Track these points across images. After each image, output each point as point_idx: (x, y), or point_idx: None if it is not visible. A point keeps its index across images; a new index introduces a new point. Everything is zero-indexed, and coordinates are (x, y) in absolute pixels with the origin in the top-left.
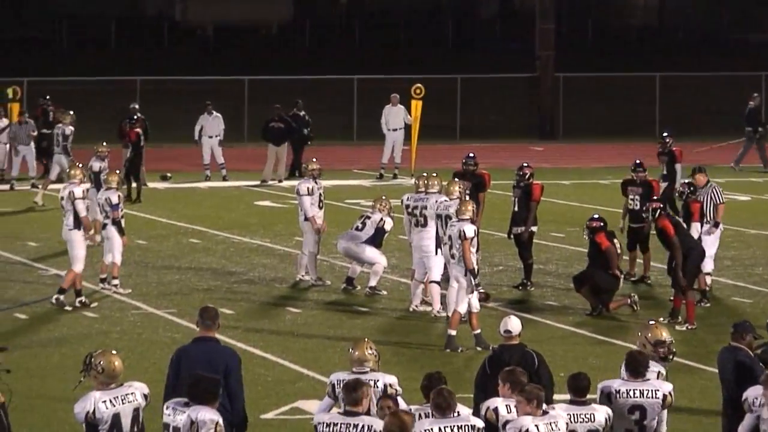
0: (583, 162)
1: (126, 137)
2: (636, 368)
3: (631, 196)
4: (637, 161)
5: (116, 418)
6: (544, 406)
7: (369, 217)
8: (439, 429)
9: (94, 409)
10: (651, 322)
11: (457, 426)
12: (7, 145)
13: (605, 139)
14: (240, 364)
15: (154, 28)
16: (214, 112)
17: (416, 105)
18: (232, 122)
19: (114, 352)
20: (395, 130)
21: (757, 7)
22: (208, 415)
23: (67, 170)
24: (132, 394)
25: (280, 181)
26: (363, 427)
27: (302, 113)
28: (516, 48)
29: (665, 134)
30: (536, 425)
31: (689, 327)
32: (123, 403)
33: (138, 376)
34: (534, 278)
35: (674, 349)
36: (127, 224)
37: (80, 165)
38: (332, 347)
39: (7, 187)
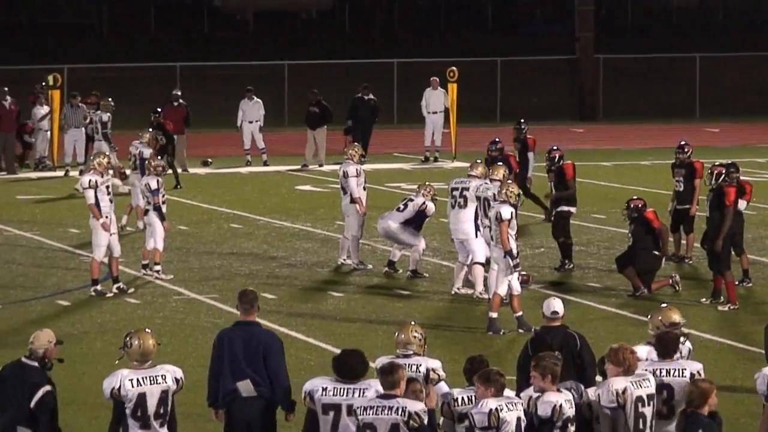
0: (624, 143)
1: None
2: (666, 349)
3: (676, 178)
4: (682, 142)
5: (141, 397)
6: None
7: (411, 200)
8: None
9: (120, 386)
10: (664, 305)
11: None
12: (48, 132)
13: (645, 120)
14: (281, 346)
15: (193, 13)
16: (255, 98)
17: (452, 88)
18: (272, 107)
19: (148, 331)
20: (435, 113)
21: None
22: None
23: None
24: (162, 376)
25: (320, 165)
26: (398, 409)
27: (367, 97)
28: (556, 30)
29: (521, 121)
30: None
31: (731, 307)
32: (151, 384)
33: (181, 360)
34: (576, 260)
35: (686, 332)
36: (169, 210)
37: (108, 154)
38: (374, 331)
39: (52, 174)
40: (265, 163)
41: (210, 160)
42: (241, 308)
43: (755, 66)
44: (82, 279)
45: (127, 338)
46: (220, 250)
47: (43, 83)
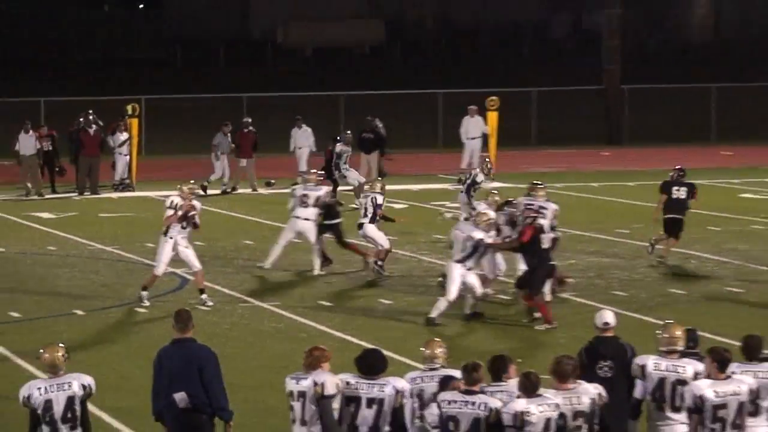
0: (647, 165)
1: (238, 148)
2: (752, 352)
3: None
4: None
5: (49, 403)
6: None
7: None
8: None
9: (29, 395)
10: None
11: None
12: (127, 156)
13: (666, 145)
14: (216, 360)
15: (259, 49)
16: (304, 126)
17: (491, 116)
18: (330, 134)
19: (61, 345)
20: (473, 138)
21: None
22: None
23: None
24: (68, 383)
25: None
26: (480, 404)
27: (376, 127)
28: (585, 63)
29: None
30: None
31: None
32: (57, 391)
33: (248, 362)
34: (601, 271)
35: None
36: (236, 226)
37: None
38: (419, 334)
39: (131, 193)
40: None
41: (273, 180)
42: (176, 327)
43: (765, 95)
44: (157, 289)
45: (41, 350)
46: (281, 263)
47: (124, 114)
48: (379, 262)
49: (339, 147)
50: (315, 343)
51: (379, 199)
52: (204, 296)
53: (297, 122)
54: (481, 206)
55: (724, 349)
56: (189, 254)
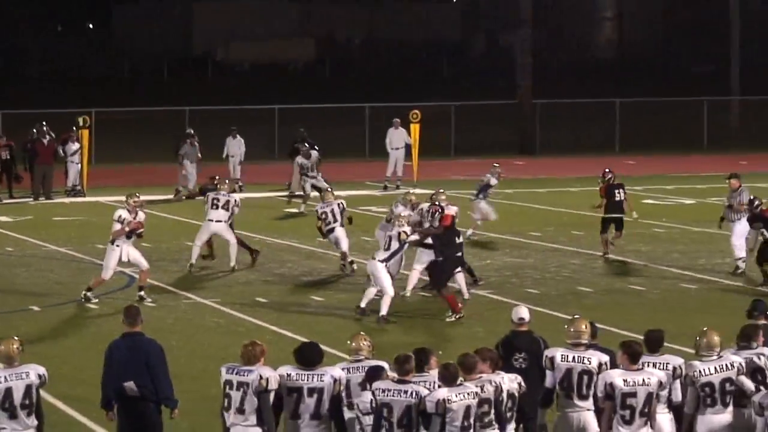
0: (556, 173)
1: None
2: (653, 345)
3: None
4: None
5: (8, 391)
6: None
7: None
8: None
9: None
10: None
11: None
12: (78, 165)
13: (574, 155)
14: (162, 352)
15: (200, 64)
16: (238, 136)
17: (414, 128)
18: (265, 143)
19: (15, 338)
20: (397, 149)
21: (699, 42)
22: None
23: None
24: (26, 373)
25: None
26: (411, 392)
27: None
28: (500, 79)
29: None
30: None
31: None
32: (15, 379)
33: (190, 354)
34: (516, 270)
35: None
36: (179, 228)
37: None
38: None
39: (82, 199)
40: (240, 189)
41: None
42: (126, 322)
43: (665, 108)
44: (107, 287)
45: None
46: (221, 262)
47: (75, 124)
48: (343, 262)
49: (299, 159)
50: (253, 337)
51: (344, 205)
52: (143, 293)
53: (232, 132)
54: (399, 208)
55: (636, 343)
56: (136, 255)
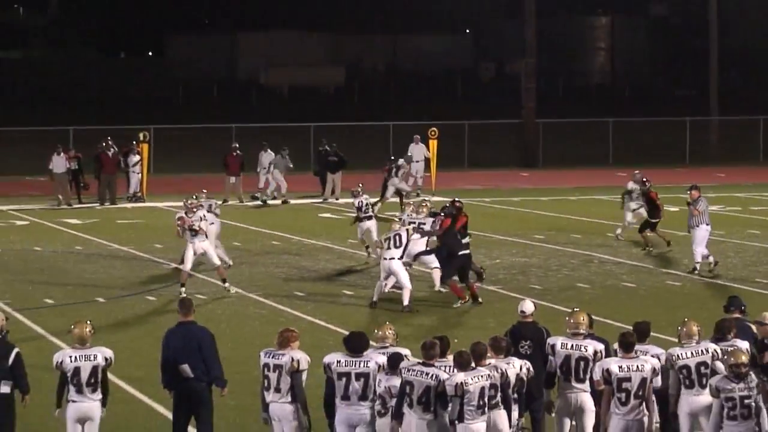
0: (557, 184)
1: (228, 167)
2: (641, 335)
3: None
4: (644, 179)
5: (77, 370)
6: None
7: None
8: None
9: (61, 361)
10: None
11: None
12: (139, 174)
13: (573, 168)
14: (212, 338)
15: (245, 88)
16: (269, 150)
17: (432, 143)
18: (301, 156)
19: (88, 322)
20: (418, 161)
21: (681, 68)
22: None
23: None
24: (94, 355)
25: (337, 199)
26: (432, 375)
27: (323, 149)
28: (507, 101)
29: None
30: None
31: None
32: (84, 360)
33: (236, 340)
34: (522, 269)
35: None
36: (227, 231)
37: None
38: (376, 318)
39: (142, 204)
40: (275, 198)
41: (257, 194)
42: (180, 312)
43: (652, 127)
44: (165, 281)
45: (72, 326)
46: (264, 260)
47: (136, 139)
48: (370, 250)
49: (400, 161)
50: (291, 326)
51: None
52: (226, 284)
53: (263, 146)
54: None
55: (631, 334)
56: (209, 251)
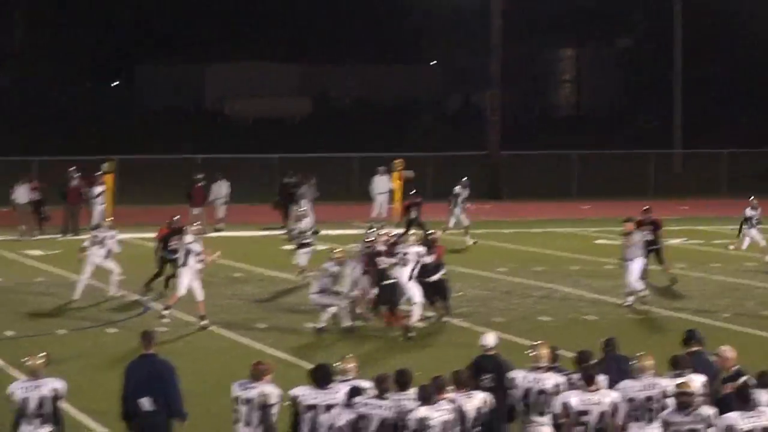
0: (521, 216)
1: (192, 199)
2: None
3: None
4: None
5: (25, 401)
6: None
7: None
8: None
9: (11, 393)
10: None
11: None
12: (102, 205)
13: (537, 199)
14: (173, 371)
15: (210, 118)
16: (224, 179)
17: (396, 175)
18: (266, 187)
19: (42, 354)
20: (381, 193)
21: (645, 101)
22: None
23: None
24: (42, 386)
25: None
26: (386, 408)
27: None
28: (472, 133)
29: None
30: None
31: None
32: (32, 391)
33: (197, 372)
34: (483, 301)
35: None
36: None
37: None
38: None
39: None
40: (217, 230)
41: (222, 226)
42: (142, 344)
43: (616, 159)
44: (126, 313)
45: (26, 359)
46: (225, 291)
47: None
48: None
49: (457, 189)
50: (253, 358)
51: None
52: (204, 322)
53: (216, 176)
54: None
55: (591, 367)
56: (194, 285)
